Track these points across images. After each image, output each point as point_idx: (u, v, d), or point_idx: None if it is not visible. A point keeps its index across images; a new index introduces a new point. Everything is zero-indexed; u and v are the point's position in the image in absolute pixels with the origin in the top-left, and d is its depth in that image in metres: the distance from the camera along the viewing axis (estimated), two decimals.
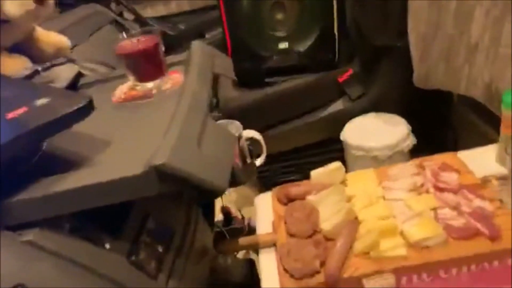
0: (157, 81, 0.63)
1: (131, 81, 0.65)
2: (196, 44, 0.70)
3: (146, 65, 0.63)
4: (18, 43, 0.69)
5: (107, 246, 0.46)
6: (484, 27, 0.82)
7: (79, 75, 0.71)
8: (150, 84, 0.63)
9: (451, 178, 0.64)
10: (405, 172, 0.68)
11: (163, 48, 0.64)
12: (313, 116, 1.16)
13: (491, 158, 0.72)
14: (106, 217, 0.47)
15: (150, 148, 0.45)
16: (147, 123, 0.55)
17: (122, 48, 0.62)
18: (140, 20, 1.56)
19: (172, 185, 0.44)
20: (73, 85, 0.68)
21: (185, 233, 0.57)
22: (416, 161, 0.72)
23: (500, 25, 0.77)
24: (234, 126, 0.75)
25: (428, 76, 0.98)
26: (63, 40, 0.74)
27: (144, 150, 0.46)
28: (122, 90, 0.66)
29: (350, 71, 1.13)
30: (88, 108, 0.44)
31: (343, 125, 1.10)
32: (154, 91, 0.63)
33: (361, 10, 1.06)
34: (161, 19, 1.60)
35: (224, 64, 0.68)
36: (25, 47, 0.71)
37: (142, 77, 0.63)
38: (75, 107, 0.44)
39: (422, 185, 0.65)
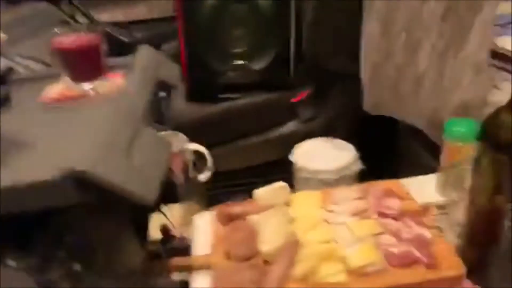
0: (95, 83, 0.59)
1: (66, 80, 0.59)
2: (142, 48, 0.66)
3: (84, 64, 0.58)
4: None
5: (11, 262, 0.40)
6: (430, 59, 0.85)
7: (10, 69, 0.64)
8: (86, 85, 0.58)
9: (393, 204, 0.64)
10: (349, 196, 0.67)
11: (105, 48, 0.59)
12: (265, 135, 1.14)
13: (432, 186, 0.74)
14: (13, 228, 0.41)
15: (73, 153, 0.40)
16: (75, 126, 0.50)
17: (59, 43, 0.57)
18: (94, 25, 1.49)
19: (93, 196, 0.39)
20: (2, 80, 0.61)
21: (110, 250, 0.52)
22: (361, 185, 0.71)
23: (444, 59, 0.80)
24: (178, 139, 0.71)
25: (376, 103, 1.00)
26: None
27: (66, 155, 0.41)
28: (55, 89, 0.60)
29: (304, 94, 1.13)
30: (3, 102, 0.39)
31: (292, 146, 1.09)
32: (90, 93, 0.58)
33: (317, 33, 1.08)
34: (117, 25, 1.55)
35: (172, 72, 0.64)
36: None
37: (79, 77, 0.58)
38: None
39: (365, 210, 0.64)
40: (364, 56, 0.99)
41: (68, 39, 0.58)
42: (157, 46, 1.55)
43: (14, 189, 0.38)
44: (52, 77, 0.63)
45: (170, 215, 0.80)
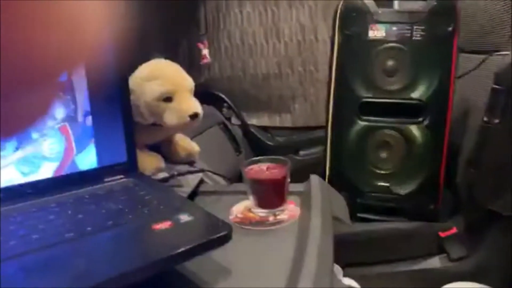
0: (275, 210, 0.64)
1: (249, 202, 0.66)
2: (315, 179, 0.71)
3: (270, 194, 0.64)
4: (158, 142, 0.77)
5: None
6: None
7: (201, 181, 0.75)
8: (268, 211, 0.64)
9: None
10: None
11: (289, 180, 0.66)
12: (406, 266, 1.07)
13: None
14: None
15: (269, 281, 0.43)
16: (269, 255, 0.54)
17: (252, 172, 0.66)
18: (245, 127, 1.68)
19: None
20: (195, 192, 0.72)
21: None
22: None
23: None
24: (335, 269, 0.72)
25: None
26: (195, 147, 0.81)
27: (262, 282, 0.44)
28: (239, 209, 0.67)
29: (454, 229, 1.06)
30: (227, 237, 0.45)
31: (437, 284, 0.99)
32: (270, 218, 0.64)
33: (476, 170, 1.03)
34: (263, 129, 1.71)
35: (342, 207, 0.67)
36: (163, 146, 0.78)
37: (263, 204, 0.64)
38: (217, 234, 0.44)
39: None
40: None
41: (261, 169, 0.66)
42: (295, 151, 1.66)
43: None
44: (234, 194, 0.71)
45: None
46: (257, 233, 0.60)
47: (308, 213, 0.61)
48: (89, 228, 0.45)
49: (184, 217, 0.47)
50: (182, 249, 0.41)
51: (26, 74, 0.15)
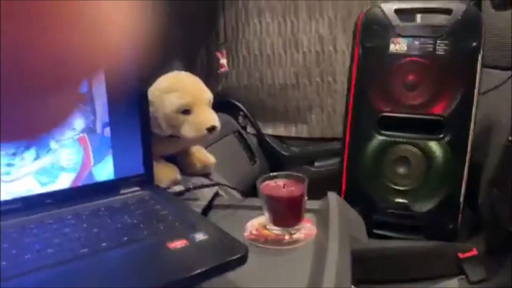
0: (291, 228, 0.63)
1: (264, 218, 0.65)
2: (333, 197, 0.70)
3: (286, 212, 0.63)
4: (174, 153, 0.77)
5: None
6: None
7: (216, 194, 0.74)
8: (283, 229, 0.63)
9: None
10: None
11: (306, 198, 0.64)
12: (421, 286, 1.04)
13: None
14: None
15: None
16: (285, 276, 0.52)
17: (268, 189, 0.64)
18: (260, 137, 1.67)
19: None
20: (210, 205, 0.71)
21: None
22: None
23: None
24: None
25: None
26: (210, 158, 0.80)
27: None
28: (253, 225, 0.66)
29: (474, 251, 1.03)
30: (243, 259, 0.44)
31: None
32: (286, 237, 0.62)
33: (499, 191, 1.00)
34: (278, 138, 1.70)
35: (360, 228, 0.65)
36: (179, 157, 0.78)
37: (279, 221, 0.63)
38: (232, 257, 0.43)
39: None
40: None
41: (277, 185, 0.65)
42: (310, 162, 1.64)
43: None
44: (249, 209, 0.70)
45: None
46: (272, 252, 0.59)
47: (326, 234, 0.59)
48: (104, 244, 0.44)
49: (199, 236, 0.46)
50: (198, 271, 0.40)
51: (48, 77, 0.15)
